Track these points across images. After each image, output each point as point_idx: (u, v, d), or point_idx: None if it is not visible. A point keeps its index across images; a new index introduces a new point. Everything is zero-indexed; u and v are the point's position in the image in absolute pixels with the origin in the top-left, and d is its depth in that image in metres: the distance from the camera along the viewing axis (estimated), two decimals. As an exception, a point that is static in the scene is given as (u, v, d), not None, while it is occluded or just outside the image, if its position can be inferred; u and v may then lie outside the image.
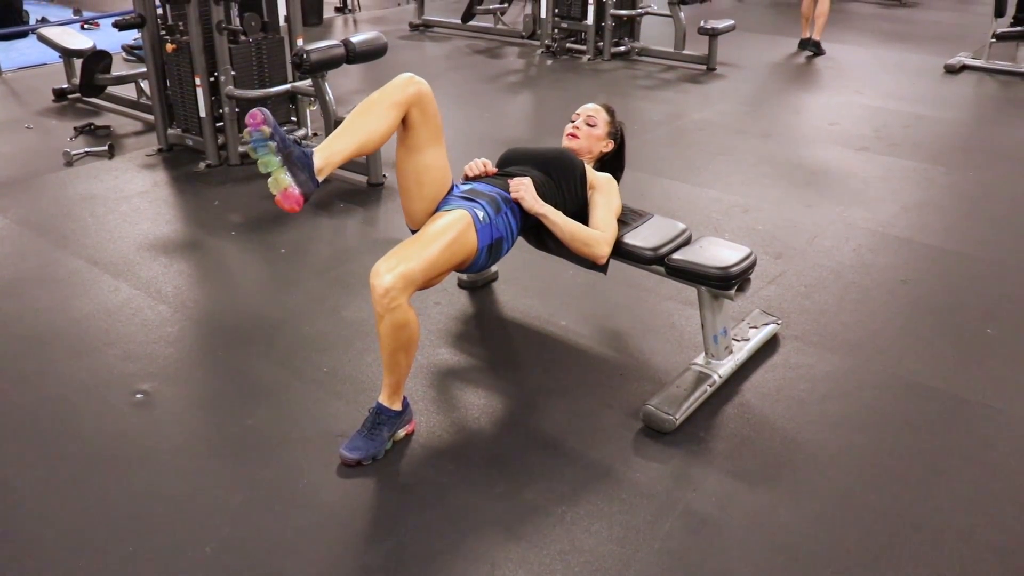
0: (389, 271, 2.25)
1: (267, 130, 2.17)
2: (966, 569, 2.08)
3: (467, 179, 2.82)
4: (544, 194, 2.68)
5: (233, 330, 3.13)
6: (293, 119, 5.11)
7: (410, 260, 2.29)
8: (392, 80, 2.46)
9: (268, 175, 2.22)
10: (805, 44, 7.79)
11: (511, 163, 2.88)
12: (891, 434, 2.58)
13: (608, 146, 3.02)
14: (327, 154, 2.31)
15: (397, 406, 2.44)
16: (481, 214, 2.53)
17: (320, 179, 2.26)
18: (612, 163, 3.07)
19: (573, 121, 3.01)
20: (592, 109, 3.01)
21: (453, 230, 2.43)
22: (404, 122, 2.47)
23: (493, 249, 2.57)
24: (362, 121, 2.40)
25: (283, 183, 2.20)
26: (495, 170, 2.83)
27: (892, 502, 2.30)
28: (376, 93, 2.44)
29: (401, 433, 2.50)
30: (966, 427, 2.62)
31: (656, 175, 4.73)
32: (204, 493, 2.30)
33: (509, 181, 2.68)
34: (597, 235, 2.68)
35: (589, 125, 2.97)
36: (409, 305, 2.30)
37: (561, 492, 2.32)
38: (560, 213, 2.67)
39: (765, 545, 2.15)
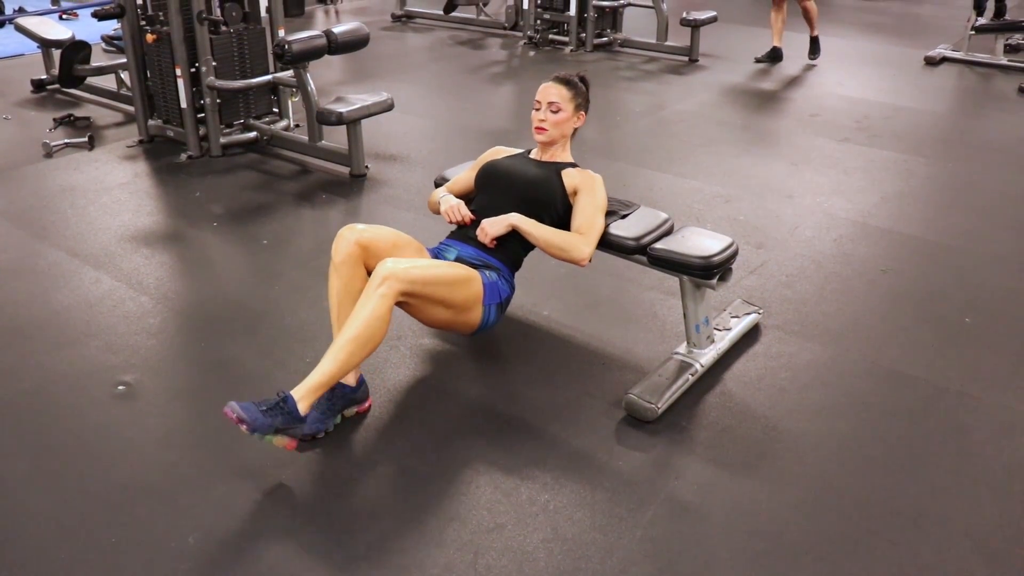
0: (396, 264, 2.38)
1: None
2: (943, 554, 2.11)
3: (449, 221, 2.84)
4: None
5: (215, 321, 3.12)
6: (275, 110, 5.09)
7: (418, 266, 2.44)
8: (334, 245, 2.53)
9: None
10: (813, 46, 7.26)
11: (489, 193, 2.84)
12: (871, 422, 2.61)
13: (580, 119, 2.90)
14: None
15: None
16: (488, 273, 2.65)
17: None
18: None
19: (536, 109, 2.86)
20: (553, 92, 2.83)
21: (463, 270, 2.57)
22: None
23: (501, 308, 2.69)
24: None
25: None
26: (472, 217, 2.79)
27: (871, 489, 2.33)
28: (332, 285, 2.52)
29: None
30: (944, 415, 2.65)
31: (638, 166, 4.75)
32: (187, 483, 2.30)
33: (477, 233, 2.72)
34: (574, 239, 2.67)
35: (553, 112, 2.82)
36: (391, 309, 2.37)
37: (544, 481, 2.33)
38: (532, 220, 2.69)
39: (746, 532, 2.17)
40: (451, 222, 2.82)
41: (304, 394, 2.28)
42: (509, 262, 2.75)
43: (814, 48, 7.19)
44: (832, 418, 2.62)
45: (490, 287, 2.62)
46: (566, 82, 2.87)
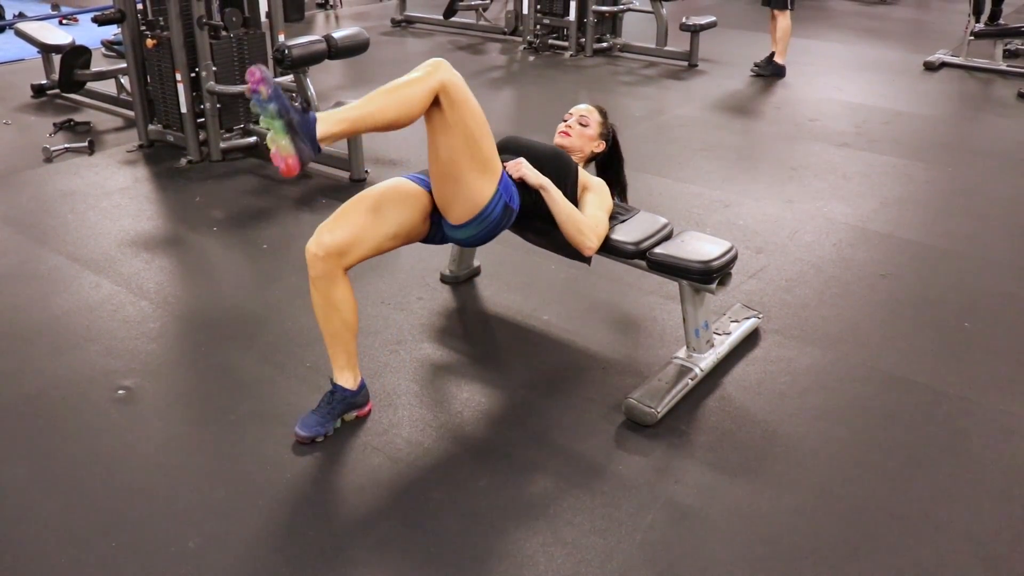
0: (445, 62, 2.34)
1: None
2: (943, 558, 2.11)
3: None
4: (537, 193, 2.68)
5: (215, 326, 3.12)
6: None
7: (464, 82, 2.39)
8: (307, 259, 2.42)
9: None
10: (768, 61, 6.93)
11: (507, 153, 2.84)
12: (870, 427, 2.61)
13: (599, 147, 3.02)
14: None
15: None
16: (506, 175, 2.59)
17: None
18: (609, 165, 3.08)
19: (566, 120, 3.01)
20: (585, 109, 3.02)
21: (492, 135, 2.49)
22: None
23: (506, 212, 2.57)
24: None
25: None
26: None
27: (871, 493, 2.33)
28: (314, 299, 2.46)
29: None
30: (944, 419, 2.65)
31: (638, 170, 4.74)
32: (187, 488, 2.30)
33: (505, 164, 2.67)
34: (590, 224, 2.68)
35: (582, 125, 2.98)
36: (433, 92, 2.30)
37: (544, 485, 2.33)
38: (560, 192, 2.68)
39: (746, 536, 2.17)
40: None
41: (325, 117, 2.19)
42: (520, 192, 2.67)
43: (767, 64, 6.88)
44: (832, 423, 2.62)
45: (507, 180, 2.57)
46: (600, 109, 3.07)
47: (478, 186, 2.46)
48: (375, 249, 2.47)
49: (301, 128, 2.13)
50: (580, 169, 2.85)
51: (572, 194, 2.77)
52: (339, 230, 2.42)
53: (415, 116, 2.32)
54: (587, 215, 2.72)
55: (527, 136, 2.96)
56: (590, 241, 2.66)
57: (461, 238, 2.63)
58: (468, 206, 2.48)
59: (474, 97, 2.41)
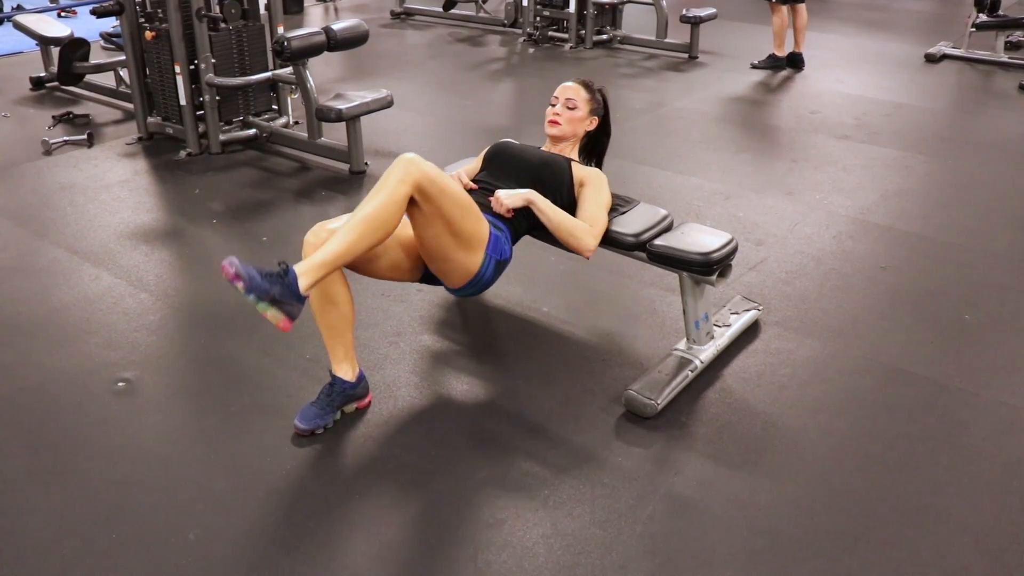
0: (416, 156, 2.32)
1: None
2: (942, 550, 2.11)
3: None
4: None
5: (215, 318, 3.12)
6: (274, 107, 5.08)
7: (436, 170, 2.35)
8: (303, 253, 2.41)
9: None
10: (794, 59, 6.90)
11: (497, 167, 2.84)
12: (870, 418, 2.61)
13: (592, 123, 2.97)
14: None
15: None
16: (493, 229, 2.58)
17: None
18: (597, 131, 3.02)
19: (553, 105, 2.95)
20: (571, 90, 2.93)
21: (475, 204, 2.49)
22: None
23: (499, 267, 2.60)
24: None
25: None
26: (475, 185, 2.77)
27: (870, 485, 2.33)
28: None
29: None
30: (943, 411, 2.65)
31: (638, 163, 4.74)
32: (187, 480, 2.30)
33: (489, 199, 2.67)
34: (584, 227, 2.67)
35: (569, 108, 2.91)
36: (407, 197, 2.29)
37: (544, 476, 2.33)
38: (547, 200, 2.67)
39: (745, 528, 2.17)
40: None
41: (307, 270, 2.21)
42: (511, 230, 2.69)
43: (767, 58, 6.92)
44: (831, 415, 2.62)
45: (495, 238, 2.56)
46: (585, 84, 2.96)
47: (467, 260, 2.50)
48: (366, 267, 2.52)
49: (284, 296, 2.17)
50: (574, 164, 2.83)
51: (569, 196, 2.77)
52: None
53: (394, 229, 2.33)
54: (585, 214, 2.71)
55: (524, 136, 2.97)
56: (585, 243, 2.65)
57: (458, 296, 2.70)
58: (461, 274, 2.53)
59: (450, 181, 2.40)
